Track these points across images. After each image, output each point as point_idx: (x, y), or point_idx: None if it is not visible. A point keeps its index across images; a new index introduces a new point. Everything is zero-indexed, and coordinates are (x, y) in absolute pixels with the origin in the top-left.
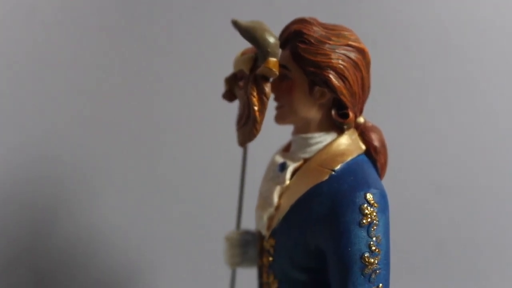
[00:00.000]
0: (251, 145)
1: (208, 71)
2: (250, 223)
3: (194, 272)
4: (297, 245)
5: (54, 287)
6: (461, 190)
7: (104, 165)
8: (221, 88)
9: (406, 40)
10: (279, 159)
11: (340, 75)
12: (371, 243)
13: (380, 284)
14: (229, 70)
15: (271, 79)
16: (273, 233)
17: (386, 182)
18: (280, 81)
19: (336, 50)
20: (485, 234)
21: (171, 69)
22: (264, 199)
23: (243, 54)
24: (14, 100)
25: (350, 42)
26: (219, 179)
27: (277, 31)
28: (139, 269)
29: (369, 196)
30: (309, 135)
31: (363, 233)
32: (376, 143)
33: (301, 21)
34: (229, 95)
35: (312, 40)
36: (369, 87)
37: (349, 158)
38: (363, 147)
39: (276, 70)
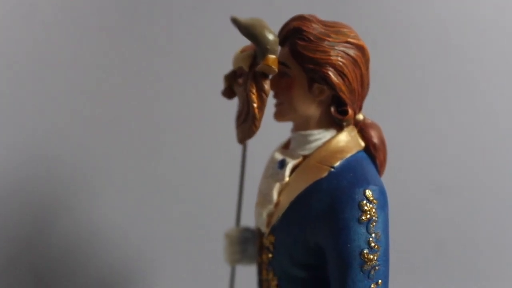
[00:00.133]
0: (250, 142)
1: (208, 71)
2: (249, 220)
3: (194, 272)
4: (296, 241)
5: (54, 287)
6: (461, 190)
7: (104, 165)
8: (221, 87)
9: (406, 39)
10: (279, 156)
11: (339, 72)
12: (370, 239)
13: (379, 281)
14: (229, 70)
15: (270, 76)
16: (273, 230)
17: (386, 182)
18: (279, 78)
19: (335, 47)
20: (485, 234)
21: (171, 69)
22: (264, 196)
23: (242, 51)
24: (14, 100)
25: (349, 39)
26: (219, 179)
27: (277, 28)
28: (139, 268)
29: (368, 192)
30: (309, 132)
31: (362, 229)
32: (375, 140)
33: (300, 18)
34: (228, 92)
35: (311, 37)
36: (368, 84)
37: (348, 155)
38: (362, 144)
39: (275, 67)
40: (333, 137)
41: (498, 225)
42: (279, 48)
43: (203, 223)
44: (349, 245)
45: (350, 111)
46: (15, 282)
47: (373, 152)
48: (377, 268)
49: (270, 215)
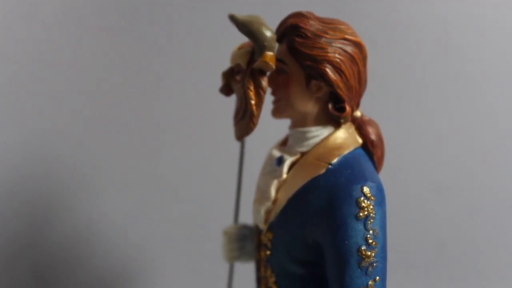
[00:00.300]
0: (248, 140)
1: (208, 71)
2: (248, 217)
3: (194, 272)
4: (294, 238)
5: (54, 285)
6: (461, 190)
7: (104, 164)
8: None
9: (406, 39)
10: (276, 153)
11: (337, 69)
12: (368, 236)
13: (377, 277)
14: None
15: (268, 73)
16: (271, 227)
17: (386, 181)
18: (277, 75)
19: (333, 44)
20: (485, 234)
21: (171, 69)
22: (262, 193)
23: (240, 48)
24: (14, 100)
25: (346, 36)
26: (219, 179)
27: (274, 25)
28: (139, 268)
29: (366, 189)
30: (306, 129)
31: (360, 226)
32: (373, 136)
33: (298, 15)
34: (226, 90)
35: (309, 34)
36: (365, 81)
37: (346, 152)
38: (360, 140)
39: (272, 64)
40: (330, 134)
41: (498, 225)
42: (276, 45)
43: (203, 223)
44: (346, 242)
45: (348, 108)
46: (15, 281)
47: (371, 149)
48: (374, 264)
49: (268, 212)
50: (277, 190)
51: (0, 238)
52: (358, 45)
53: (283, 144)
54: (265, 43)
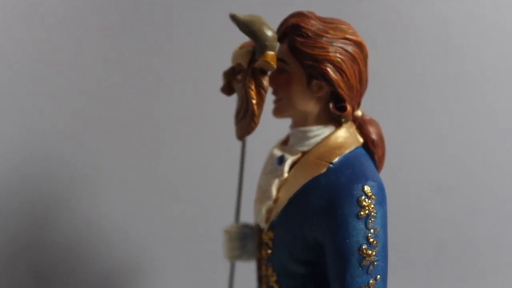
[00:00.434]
0: (249, 139)
1: (208, 71)
2: (249, 217)
3: (194, 272)
4: (295, 237)
5: (54, 285)
6: (461, 190)
7: (104, 164)
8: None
9: (406, 39)
10: (278, 153)
11: (338, 68)
12: (369, 235)
13: (378, 276)
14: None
15: (269, 73)
16: (272, 226)
17: (386, 181)
18: (278, 74)
19: (334, 44)
20: (485, 234)
21: (171, 69)
22: (263, 192)
23: (241, 47)
24: (14, 100)
25: (347, 36)
26: (219, 179)
27: (275, 25)
28: (139, 268)
29: (366, 188)
30: (307, 128)
31: (361, 225)
32: (373, 136)
33: (299, 14)
34: (227, 89)
35: (310, 34)
36: (366, 81)
37: (347, 151)
38: (361, 140)
39: (274, 64)
40: (331, 133)
41: (498, 225)
42: (277, 44)
43: (203, 223)
44: (347, 241)
45: (349, 107)
46: (16, 280)
47: (372, 148)
48: (375, 263)
49: (269, 211)
50: (278, 189)
51: (0, 238)
52: (359, 45)
53: (284, 144)
54: (266, 43)
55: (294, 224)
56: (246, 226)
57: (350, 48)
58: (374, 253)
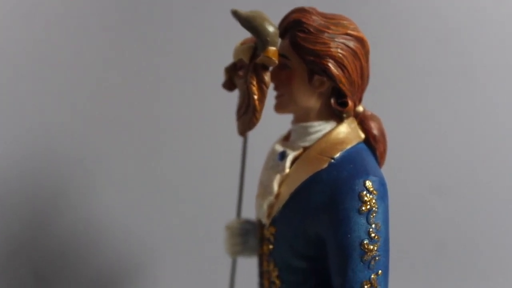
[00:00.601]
0: (251, 134)
1: (208, 71)
2: (250, 212)
3: (194, 271)
4: (297, 233)
5: (54, 284)
6: (461, 190)
7: (104, 164)
8: (221, 88)
9: (407, 35)
10: (279, 148)
11: (339, 64)
12: (371, 230)
13: (379, 271)
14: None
15: (270, 68)
16: (273, 221)
17: (387, 181)
18: (280, 70)
19: (335, 39)
20: (485, 234)
21: (171, 69)
22: (264, 188)
23: (243, 43)
24: (15, 99)
25: (349, 31)
26: (221, 175)
27: (277, 21)
28: (140, 267)
29: (368, 183)
30: (309, 123)
31: (363, 220)
32: (375, 131)
33: (300, 10)
34: (228, 85)
35: (311, 29)
36: (368, 76)
37: (349, 146)
38: (362, 135)
39: (275, 59)
40: (333, 129)
41: (498, 225)
42: (279, 40)
43: (203, 222)
44: (349, 236)
45: (350, 103)
46: (16, 278)
47: (373, 144)
48: (377, 258)
49: (270, 207)
50: (280, 185)
51: (0, 235)
52: (360, 40)
53: (286, 139)
54: (268, 38)
55: (296, 220)
56: (247, 222)
57: (351, 44)
58: (375, 248)
